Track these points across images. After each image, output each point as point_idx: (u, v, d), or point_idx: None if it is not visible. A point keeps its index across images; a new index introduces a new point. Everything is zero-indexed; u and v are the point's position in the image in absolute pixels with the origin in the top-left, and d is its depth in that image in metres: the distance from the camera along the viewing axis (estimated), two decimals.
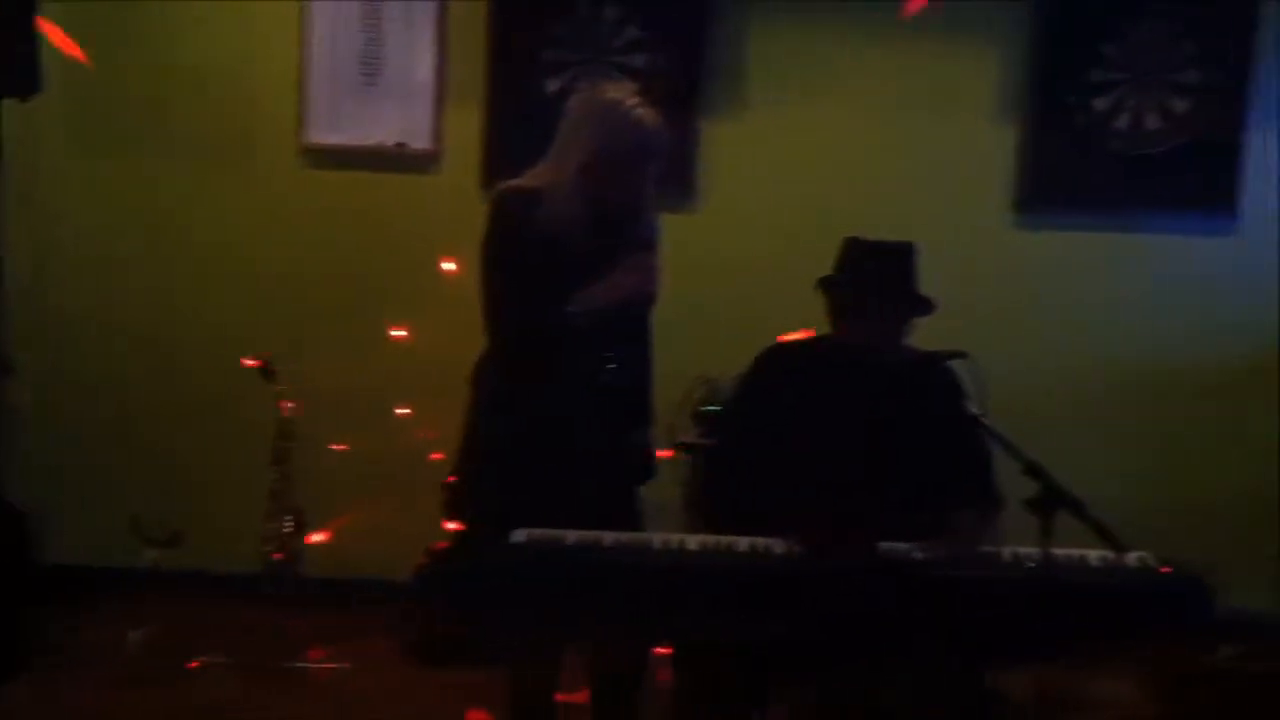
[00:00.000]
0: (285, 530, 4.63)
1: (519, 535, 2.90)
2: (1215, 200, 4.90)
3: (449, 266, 4.59)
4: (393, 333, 4.83)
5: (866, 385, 3.16)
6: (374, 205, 4.97)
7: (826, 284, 3.23)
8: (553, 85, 4.87)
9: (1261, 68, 4.83)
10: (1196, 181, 4.89)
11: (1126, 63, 4.83)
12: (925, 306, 3.18)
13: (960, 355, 3.03)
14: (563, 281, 3.09)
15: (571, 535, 2.91)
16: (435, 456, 4.63)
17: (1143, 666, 4.41)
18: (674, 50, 4.87)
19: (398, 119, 4.95)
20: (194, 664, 4.31)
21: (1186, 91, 4.84)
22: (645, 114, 3.16)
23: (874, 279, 3.16)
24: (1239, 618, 4.45)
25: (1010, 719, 3.84)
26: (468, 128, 4.93)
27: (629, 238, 3.17)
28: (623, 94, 3.21)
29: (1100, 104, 4.85)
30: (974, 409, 2.95)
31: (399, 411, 4.82)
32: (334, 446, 4.79)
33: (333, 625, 4.69)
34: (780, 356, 3.35)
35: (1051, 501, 2.60)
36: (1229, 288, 4.92)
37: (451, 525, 3.55)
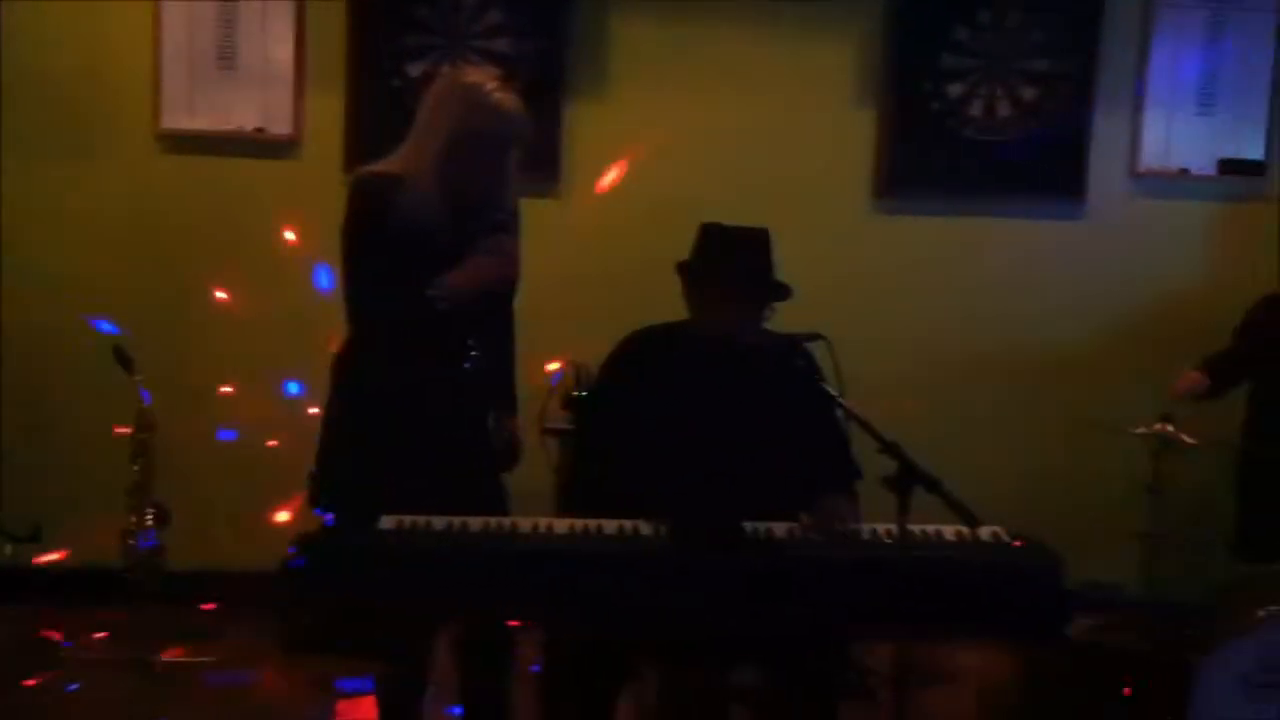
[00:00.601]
0: (147, 523, 4.53)
1: (386, 522, 2.89)
2: (1064, 185, 5.04)
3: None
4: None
5: (726, 368, 3.20)
6: (234, 190, 4.89)
7: (684, 270, 3.26)
8: (414, 70, 4.84)
9: (1105, 56, 4.97)
10: (1047, 167, 5.02)
11: (978, 50, 4.95)
12: (781, 292, 3.21)
13: (818, 337, 3.08)
14: (424, 266, 3.07)
15: (439, 521, 2.91)
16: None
17: (999, 638, 4.54)
18: (536, 35, 4.86)
19: (256, 104, 4.87)
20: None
21: (1036, 79, 4.97)
22: (506, 97, 3.15)
23: (730, 266, 3.20)
24: (1097, 591, 4.63)
25: (872, 691, 3.94)
26: (329, 112, 4.87)
27: (489, 222, 3.17)
28: (483, 78, 3.20)
29: (954, 91, 4.96)
30: (832, 390, 3.01)
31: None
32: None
33: (197, 619, 4.62)
34: (641, 342, 3.38)
35: (908, 479, 2.65)
36: (1078, 269, 5.07)
37: (317, 514, 3.51)
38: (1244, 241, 5.04)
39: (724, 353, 3.18)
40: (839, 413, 3.06)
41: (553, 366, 4.38)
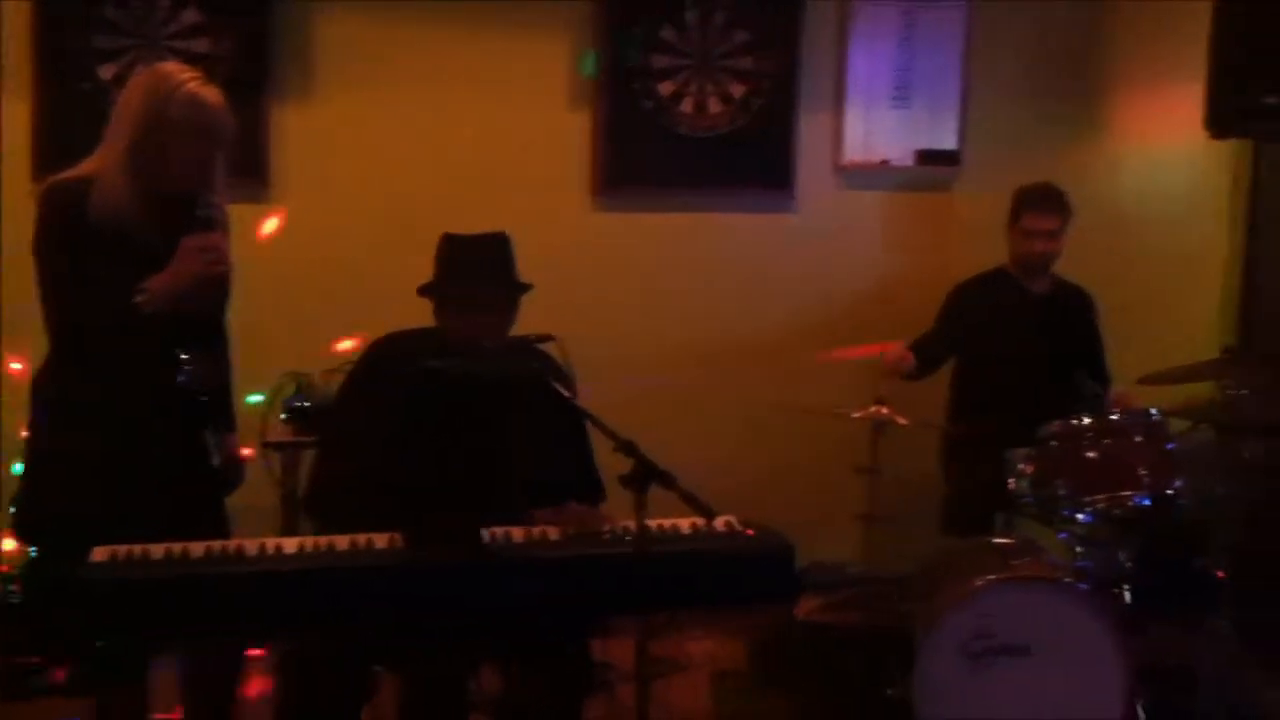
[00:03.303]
0: None
1: (100, 553, 2.73)
2: (774, 179, 5.16)
3: None
4: None
5: (470, 373, 3.16)
6: None
7: (427, 291, 3.21)
8: (106, 72, 4.59)
9: (806, 53, 5.12)
10: (756, 161, 5.13)
11: (686, 50, 5.03)
12: (523, 289, 3.23)
13: (549, 338, 3.08)
14: (125, 271, 2.92)
15: (157, 549, 2.76)
16: None
17: (734, 623, 4.66)
18: (235, 35, 4.67)
19: None
20: None
21: (743, 76, 5.08)
22: (202, 87, 3.02)
23: (476, 275, 3.17)
24: (823, 572, 4.79)
25: (612, 685, 3.98)
26: (16, 119, 4.56)
27: (192, 219, 3.02)
28: (176, 69, 3.07)
29: (665, 89, 5.02)
30: (566, 390, 3.01)
31: None
32: None
33: None
34: (388, 347, 3.31)
35: (644, 476, 2.68)
36: (791, 260, 5.21)
37: (22, 547, 3.30)
38: (942, 227, 5.29)
39: (464, 355, 3.14)
40: (575, 413, 3.06)
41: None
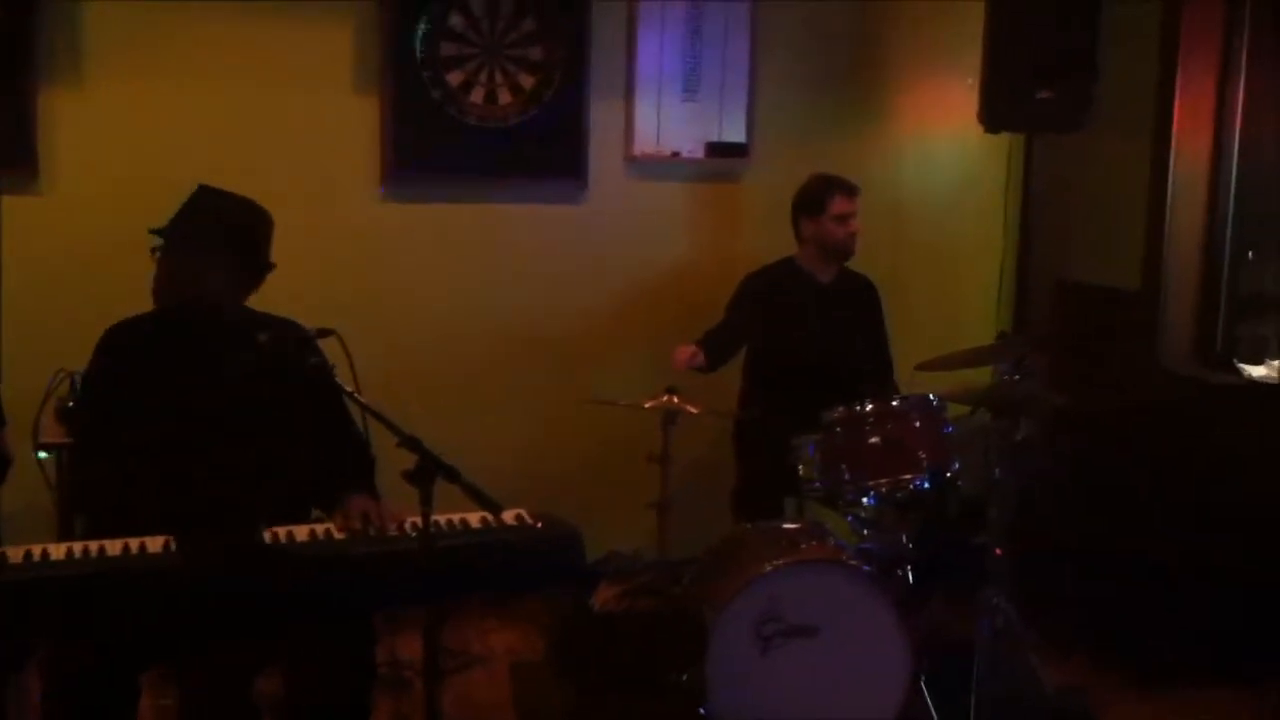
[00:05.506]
0: None
1: None
2: (566, 170, 5.16)
3: None
4: None
5: (226, 363, 3.06)
6: None
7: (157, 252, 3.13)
8: None
9: (596, 44, 5.13)
10: (548, 153, 5.12)
11: (475, 39, 4.98)
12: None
13: (329, 333, 3.02)
14: None
15: None
16: None
17: (534, 614, 4.66)
18: None
19: None
20: None
21: (532, 67, 5.06)
22: None
23: (177, 223, 3.18)
24: (618, 560, 4.81)
25: (407, 681, 3.94)
26: None
27: None
28: None
29: (454, 79, 4.97)
30: (347, 386, 2.95)
31: None
32: None
33: None
34: (121, 336, 3.19)
35: (428, 471, 2.65)
36: (583, 252, 5.22)
37: None
38: (732, 219, 5.37)
39: (216, 341, 3.05)
40: (356, 408, 3.00)
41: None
